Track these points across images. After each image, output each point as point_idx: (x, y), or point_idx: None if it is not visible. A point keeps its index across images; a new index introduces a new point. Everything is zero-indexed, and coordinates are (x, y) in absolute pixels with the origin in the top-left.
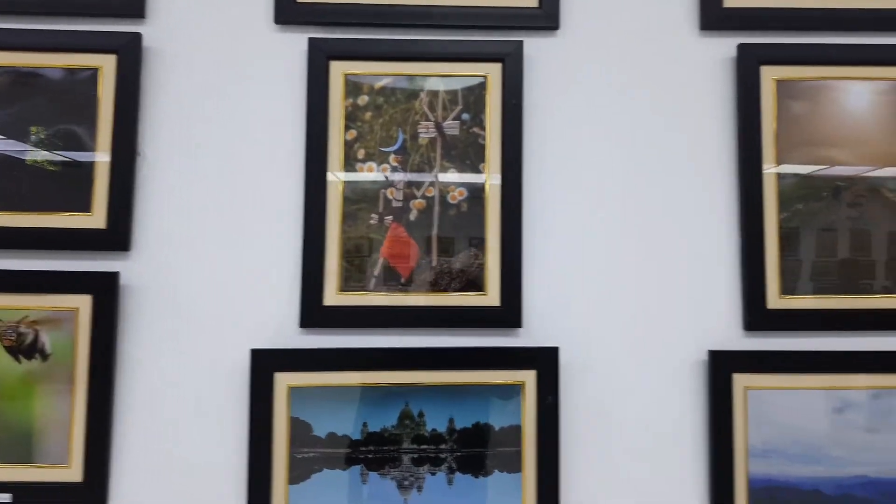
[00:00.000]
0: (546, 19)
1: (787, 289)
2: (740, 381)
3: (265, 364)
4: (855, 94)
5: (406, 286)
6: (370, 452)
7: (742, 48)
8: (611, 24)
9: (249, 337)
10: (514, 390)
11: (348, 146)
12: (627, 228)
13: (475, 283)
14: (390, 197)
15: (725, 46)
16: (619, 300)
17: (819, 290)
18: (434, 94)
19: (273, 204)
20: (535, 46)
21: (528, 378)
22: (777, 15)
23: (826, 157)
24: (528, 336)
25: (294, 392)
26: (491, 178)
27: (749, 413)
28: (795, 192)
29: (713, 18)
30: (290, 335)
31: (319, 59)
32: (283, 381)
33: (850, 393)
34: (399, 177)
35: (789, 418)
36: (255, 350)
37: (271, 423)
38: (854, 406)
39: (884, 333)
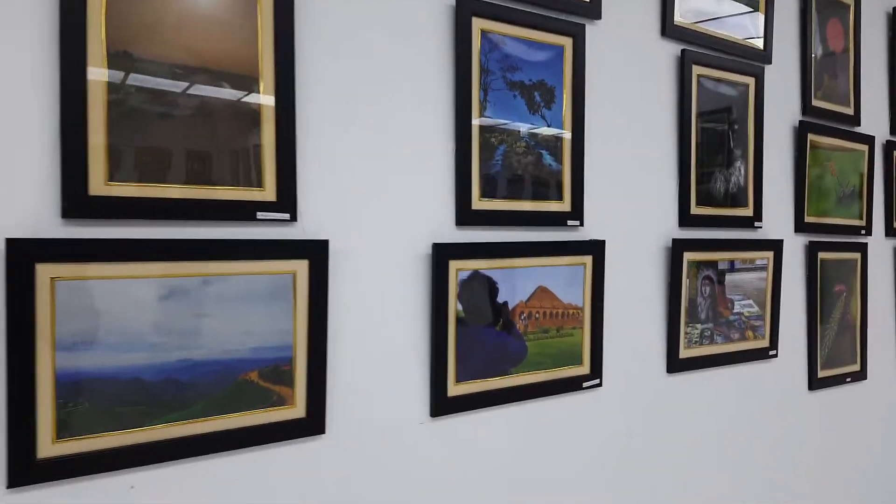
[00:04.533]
0: None
1: (113, 176)
2: (46, 271)
3: None
4: None
5: None
6: None
7: None
8: None
9: None
10: None
11: None
12: None
13: None
14: None
15: None
16: None
17: (148, 179)
18: None
19: None
20: None
21: None
22: None
23: (167, 45)
24: None
25: None
26: None
27: (59, 305)
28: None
29: None
30: None
31: None
32: None
33: (180, 280)
34: None
35: (112, 308)
36: None
37: None
38: (182, 293)
39: (216, 223)
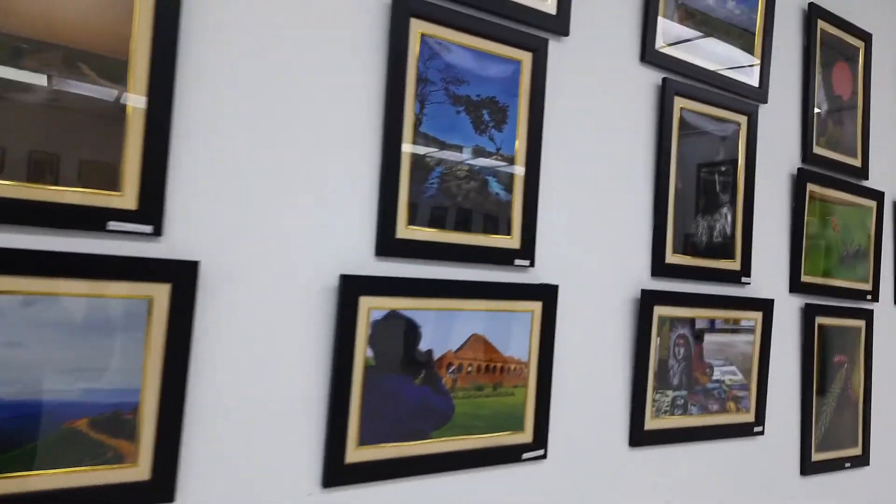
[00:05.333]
0: None
1: None
2: None
3: None
4: None
5: None
6: None
7: None
8: None
9: None
10: None
11: None
12: None
13: None
14: None
15: None
16: None
17: None
18: None
19: None
20: None
21: None
22: None
23: (12, 13)
24: None
25: None
26: None
27: None
28: None
29: None
30: None
31: None
32: None
33: None
34: None
35: None
36: None
37: None
38: None
39: (50, 231)
